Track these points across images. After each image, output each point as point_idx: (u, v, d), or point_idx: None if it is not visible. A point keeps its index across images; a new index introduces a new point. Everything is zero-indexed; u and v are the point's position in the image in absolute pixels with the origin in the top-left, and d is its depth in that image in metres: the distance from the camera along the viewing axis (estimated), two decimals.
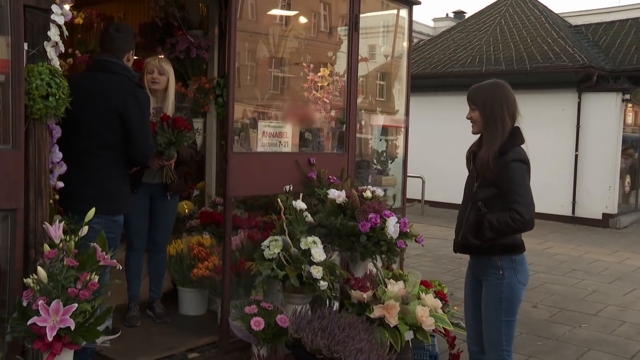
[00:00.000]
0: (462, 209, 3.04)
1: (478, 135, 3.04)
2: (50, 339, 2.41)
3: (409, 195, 12.97)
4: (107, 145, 3.29)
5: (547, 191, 12.24)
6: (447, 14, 31.62)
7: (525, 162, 2.87)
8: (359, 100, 4.93)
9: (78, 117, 3.01)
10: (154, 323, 4.05)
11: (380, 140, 5.50)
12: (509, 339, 2.96)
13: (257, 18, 5.02)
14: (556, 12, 16.40)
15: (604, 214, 12.00)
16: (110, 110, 3.25)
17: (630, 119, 12.89)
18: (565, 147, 12.31)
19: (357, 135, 4.90)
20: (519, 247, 2.95)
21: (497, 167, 2.84)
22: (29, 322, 2.42)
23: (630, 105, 12.47)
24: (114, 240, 3.11)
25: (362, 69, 5.10)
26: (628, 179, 12.88)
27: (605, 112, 11.95)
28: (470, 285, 3.13)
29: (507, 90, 2.97)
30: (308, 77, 4.72)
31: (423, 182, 12.83)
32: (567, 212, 12.36)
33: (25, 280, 2.54)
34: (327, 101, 4.67)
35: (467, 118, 3.01)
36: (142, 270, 4.23)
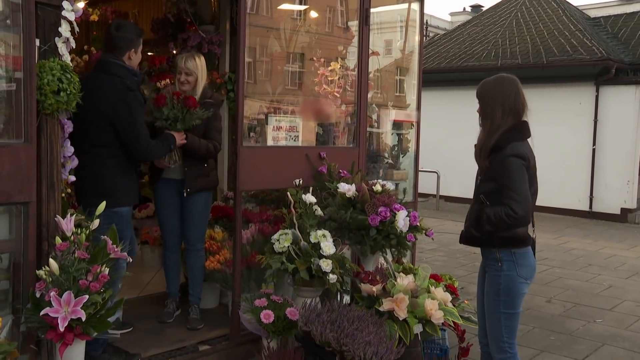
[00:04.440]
0: (472, 201, 3.07)
1: None
2: (62, 329, 2.47)
3: (424, 190, 12.95)
4: (99, 144, 3.34)
5: (564, 186, 12.13)
6: (464, 8, 31.34)
7: (523, 157, 2.83)
8: (371, 94, 4.92)
9: (76, 116, 3.02)
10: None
11: (392, 134, 5.49)
12: (510, 331, 2.95)
13: (271, 13, 5.03)
14: (575, 4, 16.19)
15: (622, 209, 11.84)
16: (100, 113, 3.29)
17: None
18: (583, 141, 12.17)
19: (369, 129, 4.91)
20: (519, 240, 2.91)
21: (489, 161, 2.86)
22: (41, 313, 2.48)
23: None
24: (119, 232, 3.11)
25: (375, 63, 5.10)
26: None
27: (624, 105, 11.78)
28: (481, 277, 3.15)
29: (508, 85, 2.92)
30: (319, 72, 4.73)
31: (438, 177, 12.78)
32: (585, 207, 12.23)
33: (37, 272, 2.60)
34: (338, 95, 4.68)
35: (477, 111, 3.02)
36: (180, 268, 4.19)
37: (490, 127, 2.88)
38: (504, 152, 2.83)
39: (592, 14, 15.94)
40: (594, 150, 12.09)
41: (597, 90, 12.02)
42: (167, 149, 3.65)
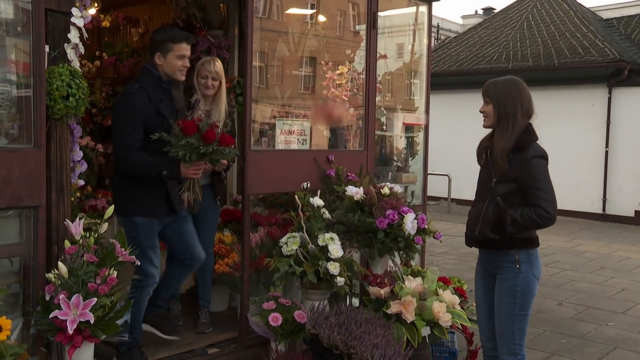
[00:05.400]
0: (477, 203, 3.03)
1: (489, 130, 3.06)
2: (70, 332, 2.49)
3: (435, 194, 12.89)
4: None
5: (577, 188, 12.02)
6: (476, 11, 31.30)
7: (545, 157, 2.88)
8: (380, 97, 4.93)
9: None
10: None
11: (401, 137, 5.49)
12: (522, 333, 2.95)
13: (282, 17, 5.05)
14: (587, 5, 16.07)
15: (636, 211, 11.72)
16: None
17: None
18: (595, 143, 12.07)
19: (378, 132, 4.91)
20: (535, 241, 2.97)
21: (511, 163, 2.85)
22: (50, 316, 2.50)
23: None
24: (134, 239, 3.15)
25: (384, 67, 5.11)
26: None
27: (637, 106, 11.66)
28: (482, 280, 3.12)
29: (523, 87, 2.97)
30: (327, 75, 4.75)
31: (449, 180, 12.73)
32: (598, 209, 12.12)
33: (47, 275, 2.63)
34: (346, 99, 4.69)
35: (481, 111, 3.01)
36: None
37: (512, 129, 2.88)
38: (527, 153, 2.84)
39: (605, 15, 15.82)
40: (607, 152, 11.98)
41: (610, 92, 11.92)
42: (152, 172, 3.24)
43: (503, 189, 2.91)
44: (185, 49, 3.34)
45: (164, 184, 3.34)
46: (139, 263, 3.12)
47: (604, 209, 12.08)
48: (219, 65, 3.92)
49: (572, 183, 11.95)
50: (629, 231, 10.93)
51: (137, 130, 3.20)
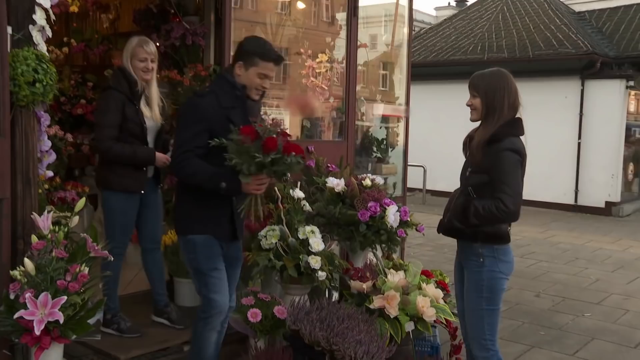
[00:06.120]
0: (454, 193, 2.98)
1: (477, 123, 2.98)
2: (38, 332, 2.34)
3: (411, 185, 12.89)
4: None
5: (550, 179, 12.16)
6: (449, 3, 31.33)
7: (519, 152, 2.79)
8: (359, 88, 4.84)
9: None
10: (149, 315, 3.98)
11: (381, 128, 5.41)
12: (492, 328, 2.90)
13: (256, 7, 4.92)
14: None
15: (607, 202, 11.92)
16: None
17: (633, 107, 12.77)
18: (568, 135, 12.21)
19: (358, 123, 4.83)
20: (502, 237, 2.87)
21: (485, 154, 2.78)
22: (15, 316, 2.34)
23: (634, 92, 12.35)
24: (193, 261, 2.95)
25: (362, 57, 5.02)
26: (631, 167, 12.78)
27: (609, 99, 11.83)
28: (459, 273, 3.08)
29: (510, 79, 2.90)
30: (306, 64, 4.63)
31: (424, 171, 12.75)
32: (570, 200, 12.29)
33: (12, 272, 2.47)
34: (326, 88, 4.59)
35: (467, 105, 2.94)
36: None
37: (492, 122, 2.81)
38: (500, 145, 2.76)
39: (577, 8, 15.99)
40: (579, 144, 12.14)
41: (583, 84, 12.07)
42: (210, 182, 2.82)
43: (475, 179, 2.86)
44: (271, 69, 2.96)
45: (230, 203, 2.96)
46: (199, 290, 2.96)
47: (575, 200, 12.25)
48: (154, 45, 3.65)
49: (545, 174, 12.07)
50: (600, 222, 11.10)
51: (199, 136, 2.82)
